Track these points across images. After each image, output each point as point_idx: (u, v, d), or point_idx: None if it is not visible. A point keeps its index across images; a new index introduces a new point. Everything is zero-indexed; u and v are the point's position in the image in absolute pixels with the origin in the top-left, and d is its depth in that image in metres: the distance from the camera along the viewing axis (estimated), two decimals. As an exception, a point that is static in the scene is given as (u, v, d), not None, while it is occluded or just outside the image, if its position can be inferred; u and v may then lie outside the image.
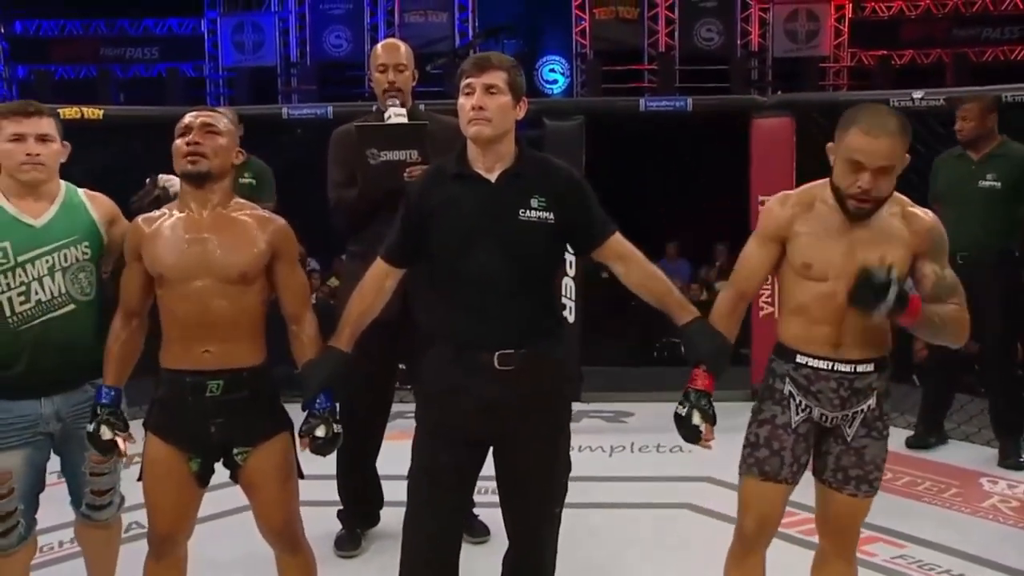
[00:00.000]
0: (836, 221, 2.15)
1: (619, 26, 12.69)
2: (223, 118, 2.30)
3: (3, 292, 2.28)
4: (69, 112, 4.57)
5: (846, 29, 12.65)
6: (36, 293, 2.31)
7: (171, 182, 2.50)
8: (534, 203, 2.15)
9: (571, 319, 4.87)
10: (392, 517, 2.98)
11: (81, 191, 2.45)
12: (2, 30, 12.99)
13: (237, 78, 12.98)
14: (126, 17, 13.11)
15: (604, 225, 2.24)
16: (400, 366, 3.27)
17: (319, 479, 2.70)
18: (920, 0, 12.42)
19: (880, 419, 2.24)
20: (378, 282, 2.27)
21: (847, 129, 2.08)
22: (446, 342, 2.21)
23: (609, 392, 5.17)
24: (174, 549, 2.33)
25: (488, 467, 2.30)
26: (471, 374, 2.16)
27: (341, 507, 3.29)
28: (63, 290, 2.34)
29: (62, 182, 2.42)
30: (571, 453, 2.40)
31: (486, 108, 2.11)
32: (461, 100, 2.15)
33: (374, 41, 11.38)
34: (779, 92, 9.95)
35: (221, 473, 2.30)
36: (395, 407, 3.36)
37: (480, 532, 3.22)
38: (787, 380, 2.23)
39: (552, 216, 2.16)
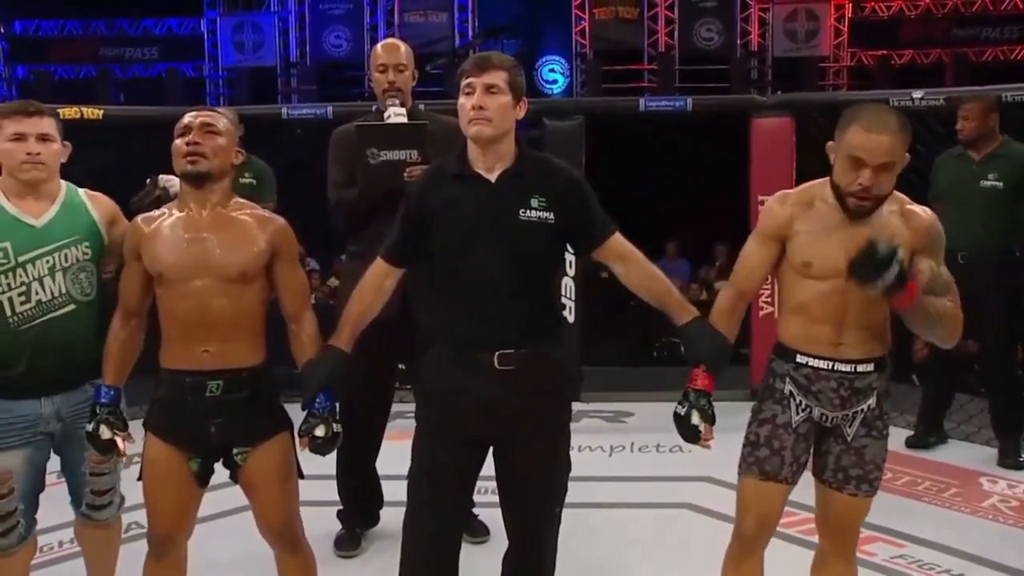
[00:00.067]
0: (836, 219, 2.15)
1: (619, 26, 12.70)
2: (222, 118, 2.30)
3: (4, 292, 2.28)
4: (69, 112, 4.57)
5: (846, 29, 12.65)
6: (36, 293, 2.31)
7: (171, 182, 2.50)
8: (534, 203, 2.15)
9: (571, 319, 4.87)
10: (392, 517, 2.98)
11: (82, 191, 2.45)
12: (2, 30, 12.99)
13: (237, 78, 12.99)
14: (125, 17, 13.12)
15: (604, 225, 2.24)
16: (400, 366, 3.27)
17: (319, 479, 2.71)
18: (920, 0, 12.43)
19: (880, 419, 2.24)
20: (378, 281, 2.27)
21: (848, 127, 2.08)
22: (446, 342, 2.21)
23: (609, 392, 5.17)
24: (174, 549, 2.33)
25: (488, 467, 2.30)
26: (471, 374, 2.16)
27: (341, 507, 3.29)
28: (63, 290, 2.34)
29: (63, 182, 2.42)
30: (571, 453, 2.40)
31: (487, 108, 2.11)
32: (461, 100, 2.15)
33: (374, 41, 11.38)
34: (779, 92, 9.96)
35: (221, 473, 2.30)
36: (395, 407, 3.36)
37: (480, 532, 3.22)
38: (787, 380, 2.23)
39: (552, 216, 2.16)
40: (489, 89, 2.12)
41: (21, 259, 2.29)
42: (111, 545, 2.65)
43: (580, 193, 2.23)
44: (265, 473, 2.27)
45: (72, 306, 2.35)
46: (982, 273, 3.96)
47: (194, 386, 2.19)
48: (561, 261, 2.56)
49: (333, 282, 7.43)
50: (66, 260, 2.34)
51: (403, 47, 3.15)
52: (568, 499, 2.39)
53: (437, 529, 2.24)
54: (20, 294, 2.29)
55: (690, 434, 2.19)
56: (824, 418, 2.22)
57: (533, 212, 2.15)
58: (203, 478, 2.27)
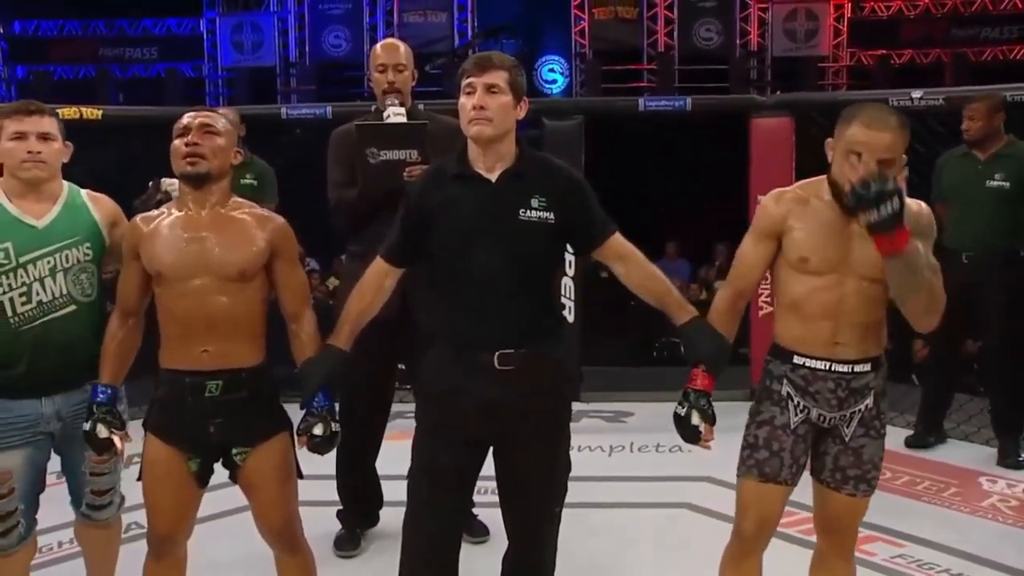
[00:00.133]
0: (832, 216, 2.15)
1: (618, 26, 12.71)
2: (221, 119, 2.29)
3: (4, 293, 2.28)
4: (68, 112, 4.56)
5: (845, 29, 12.66)
6: (37, 294, 2.31)
7: (174, 186, 2.49)
8: (534, 203, 2.15)
9: (571, 319, 4.87)
10: (392, 517, 2.98)
11: (84, 192, 2.45)
12: (1, 30, 12.99)
13: (236, 78, 12.99)
14: (125, 17, 13.12)
15: (604, 225, 2.24)
16: (400, 366, 3.27)
17: (318, 479, 2.71)
18: (919, 0, 12.43)
19: (877, 418, 2.24)
20: (377, 281, 2.27)
21: (848, 124, 2.09)
22: (446, 342, 2.21)
23: (609, 392, 5.17)
24: (174, 549, 2.33)
25: (488, 467, 2.30)
26: (471, 374, 2.16)
27: (340, 507, 3.29)
28: (64, 291, 2.34)
29: (65, 183, 2.42)
30: (571, 453, 2.40)
31: (487, 108, 2.11)
32: (462, 100, 2.15)
33: (373, 41, 11.38)
34: (778, 92, 9.98)
35: (221, 473, 2.30)
36: (395, 407, 3.36)
37: (480, 532, 3.22)
38: (784, 381, 2.23)
39: (552, 216, 2.16)
40: (490, 89, 2.12)
41: (22, 260, 2.29)
42: (111, 545, 2.65)
43: (580, 193, 2.23)
44: (264, 473, 2.27)
45: (73, 307, 2.35)
46: (986, 273, 3.97)
47: (193, 386, 2.19)
48: (561, 261, 2.56)
49: (333, 282, 7.42)
50: (67, 261, 2.34)
51: (402, 47, 3.15)
52: (568, 499, 2.39)
53: (437, 529, 2.24)
54: (21, 295, 2.29)
55: (690, 435, 2.19)
56: (822, 419, 2.22)
57: (533, 212, 2.15)
58: (203, 478, 2.27)
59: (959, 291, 3.97)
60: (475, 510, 3.20)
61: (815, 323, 2.17)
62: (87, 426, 2.25)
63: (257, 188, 4.32)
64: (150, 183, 2.61)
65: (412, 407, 2.44)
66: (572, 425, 2.38)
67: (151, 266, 2.22)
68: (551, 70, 12.55)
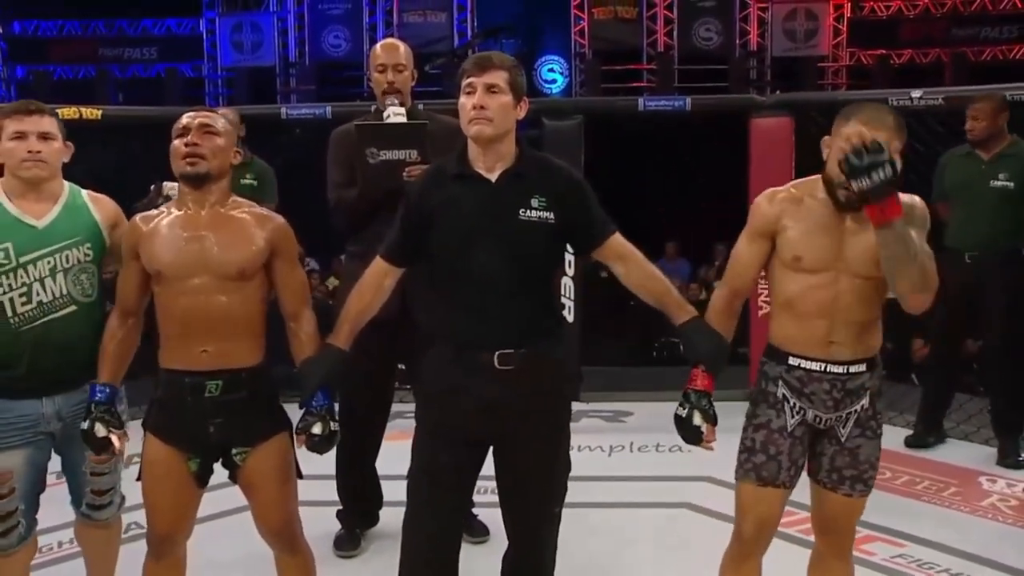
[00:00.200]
0: (826, 215, 2.15)
1: (618, 26, 12.71)
2: (221, 119, 2.29)
3: (5, 293, 2.28)
4: (67, 112, 4.56)
5: (845, 28, 12.67)
6: (37, 294, 2.31)
7: (175, 190, 2.49)
8: (534, 203, 2.15)
9: (571, 319, 4.87)
10: (392, 517, 2.98)
11: (85, 193, 2.44)
12: (1, 30, 12.99)
13: (236, 78, 13.00)
14: (125, 17, 13.13)
15: (604, 225, 2.24)
16: (400, 366, 3.27)
17: (318, 479, 2.71)
18: (919, 0, 12.44)
19: (873, 418, 2.24)
20: (377, 280, 2.27)
21: (845, 122, 2.09)
22: (446, 342, 2.21)
23: (609, 392, 5.17)
24: (173, 549, 2.33)
25: (488, 467, 2.30)
26: (471, 374, 2.16)
27: (340, 507, 3.29)
28: (64, 291, 2.34)
29: (66, 183, 2.42)
30: (571, 453, 2.40)
31: (487, 107, 2.11)
32: (462, 99, 2.15)
33: (373, 41, 11.38)
34: (778, 92, 9.97)
35: (220, 473, 2.30)
36: (395, 407, 3.36)
37: (480, 532, 3.22)
38: (780, 383, 2.23)
39: (552, 216, 2.16)
40: (490, 89, 2.12)
41: (22, 260, 2.29)
42: (111, 545, 2.65)
43: (580, 193, 2.23)
44: (264, 473, 2.27)
45: (73, 307, 2.35)
46: (988, 273, 3.97)
47: (193, 386, 2.19)
48: (561, 261, 2.56)
49: (333, 282, 7.42)
50: (67, 261, 2.34)
51: (402, 47, 3.15)
52: (568, 499, 2.39)
53: (437, 529, 2.24)
54: (21, 295, 2.29)
55: (692, 436, 2.18)
56: (818, 420, 2.22)
57: (533, 212, 2.15)
58: (202, 478, 2.27)
59: (961, 291, 3.99)
60: (475, 510, 3.19)
61: (810, 322, 2.17)
62: (85, 425, 2.25)
63: (257, 188, 4.32)
64: (152, 187, 2.61)
65: (412, 407, 2.43)
66: (572, 425, 2.38)
67: (150, 265, 2.22)
68: (551, 70, 12.56)
